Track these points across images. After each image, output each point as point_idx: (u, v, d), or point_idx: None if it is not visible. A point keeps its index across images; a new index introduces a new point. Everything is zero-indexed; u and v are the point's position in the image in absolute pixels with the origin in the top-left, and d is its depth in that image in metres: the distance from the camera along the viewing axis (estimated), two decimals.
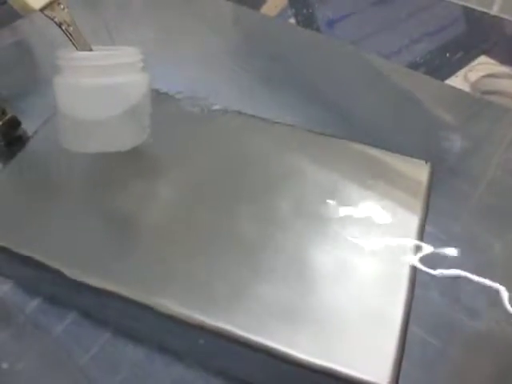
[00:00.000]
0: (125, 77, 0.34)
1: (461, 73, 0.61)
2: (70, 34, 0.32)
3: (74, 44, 0.33)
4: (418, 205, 0.35)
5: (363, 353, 0.28)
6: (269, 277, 0.31)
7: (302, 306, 0.30)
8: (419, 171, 0.37)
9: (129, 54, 0.34)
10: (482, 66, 0.62)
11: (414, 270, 0.31)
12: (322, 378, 0.28)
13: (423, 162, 0.37)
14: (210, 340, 0.30)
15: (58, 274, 0.32)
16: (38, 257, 0.33)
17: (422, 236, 0.33)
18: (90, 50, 0.33)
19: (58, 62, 0.33)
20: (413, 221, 0.34)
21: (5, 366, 0.36)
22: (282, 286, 0.31)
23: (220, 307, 0.30)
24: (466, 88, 0.58)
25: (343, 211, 0.34)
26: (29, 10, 0.30)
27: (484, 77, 0.60)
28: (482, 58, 0.63)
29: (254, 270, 0.31)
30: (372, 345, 0.28)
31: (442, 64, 0.62)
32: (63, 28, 0.32)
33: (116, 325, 0.38)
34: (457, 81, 0.60)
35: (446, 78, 0.60)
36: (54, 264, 0.32)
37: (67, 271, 0.32)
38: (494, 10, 0.67)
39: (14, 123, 0.40)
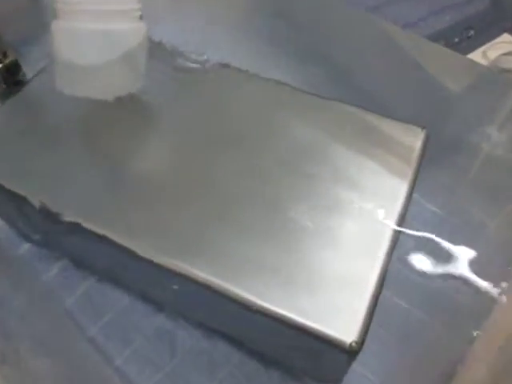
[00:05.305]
0: (121, 24, 0.33)
1: (480, 50, 0.60)
2: None
3: None
4: (409, 171, 0.34)
5: (334, 311, 0.28)
6: (249, 232, 0.31)
7: (278, 262, 0.30)
8: (413, 137, 0.36)
9: (127, 1, 0.33)
10: (503, 45, 0.61)
11: (396, 235, 0.31)
12: (292, 331, 0.28)
13: (419, 129, 0.36)
14: (188, 288, 0.30)
15: (48, 213, 0.32)
16: (29, 195, 0.33)
17: (408, 202, 0.33)
18: None
19: (55, 5, 0.33)
20: (401, 186, 0.33)
21: None
22: (262, 242, 0.31)
23: (198, 256, 0.30)
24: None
25: (330, 172, 0.34)
26: None
27: (503, 55, 0.59)
28: (505, 36, 0.62)
29: (235, 223, 0.32)
30: (344, 304, 0.28)
31: (461, 39, 0.61)
32: None
33: (102, 272, 0.38)
34: (475, 57, 0.58)
35: (465, 54, 0.58)
36: (39, 200, 0.32)
37: (57, 211, 0.32)
38: None
39: (15, 67, 0.40)
